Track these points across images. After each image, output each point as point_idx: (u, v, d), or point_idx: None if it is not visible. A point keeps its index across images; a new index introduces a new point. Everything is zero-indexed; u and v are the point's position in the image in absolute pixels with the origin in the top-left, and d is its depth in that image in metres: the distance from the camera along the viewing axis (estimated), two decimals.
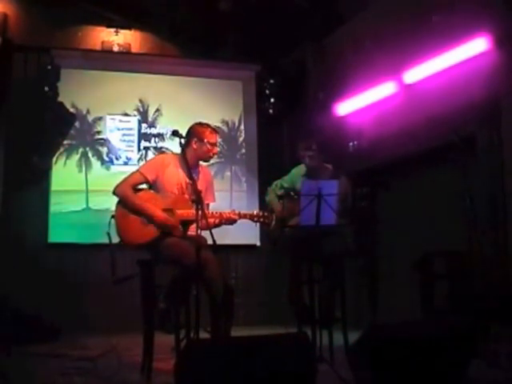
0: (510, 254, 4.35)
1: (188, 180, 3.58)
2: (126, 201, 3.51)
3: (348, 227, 4.09)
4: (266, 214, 3.58)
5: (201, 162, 3.78)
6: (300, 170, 4.28)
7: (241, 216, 3.53)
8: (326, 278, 3.91)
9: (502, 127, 4.52)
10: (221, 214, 3.52)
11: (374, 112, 5.91)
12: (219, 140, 7.16)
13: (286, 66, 7.31)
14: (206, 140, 3.64)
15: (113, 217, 3.51)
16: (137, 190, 3.60)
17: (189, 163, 3.53)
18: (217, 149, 3.73)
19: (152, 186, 3.62)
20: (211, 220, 3.43)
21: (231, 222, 3.54)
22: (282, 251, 4.20)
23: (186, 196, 3.58)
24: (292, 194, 4.02)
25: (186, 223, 3.51)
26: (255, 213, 3.58)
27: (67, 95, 6.50)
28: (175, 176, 3.62)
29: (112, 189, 3.60)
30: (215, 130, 3.74)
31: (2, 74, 5.88)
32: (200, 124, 3.73)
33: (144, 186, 3.66)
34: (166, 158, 3.81)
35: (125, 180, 3.59)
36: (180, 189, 3.61)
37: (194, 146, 3.64)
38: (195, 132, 3.67)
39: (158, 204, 3.52)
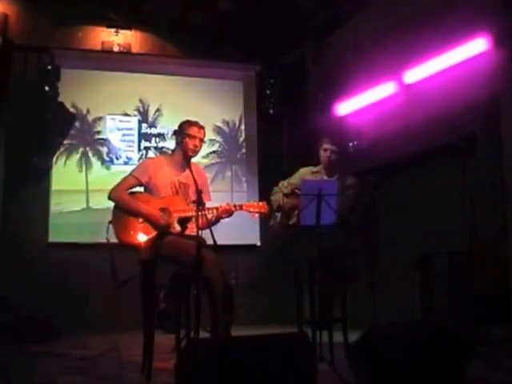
0: (510, 254, 4.35)
1: (181, 179, 3.62)
2: (122, 204, 3.54)
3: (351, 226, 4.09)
4: (261, 204, 3.59)
5: (193, 161, 3.78)
6: (309, 169, 4.29)
7: (237, 208, 3.54)
8: (326, 277, 3.90)
9: (501, 127, 4.52)
10: (216, 208, 3.53)
11: (374, 112, 5.91)
12: (219, 139, 7.24)
13: (286, 66, 7.31)
14: (185, 132, 3.65)
15: (110, 222, 3.53)
16: (131, 194, 3.62)
17: (185, 161, 3.56)
18: (197, 142, 3.64)
19: (146, 188, 3.63)
20: (208, 216, 3.44)
21: (228, 214, 3.54)
22: (283, 250, 4.20)
23: (180, 195, 3.60)
24: (298, 191, 4.03)
25: (183, 221, 3.52)
26: (250, 203, 3.59)
27: (67, 95, 6.50)
28: (168, 176, 3.64)
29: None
30: (198, 125, 3.71)
31: (2, 74, 5.88)
32: (185, 121, 3.75)
33: (138, 189, 3.68)
34: (157, 160, 3.87)
35: (119, 184, 3.62)
36: (173, 188, 3.62)
37: (178, 141, 3.67)
38: (179, 128, 3.71)
39: (154, 205, 3.54)
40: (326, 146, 4.16)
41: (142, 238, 3.49)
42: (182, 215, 3.50)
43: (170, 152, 3.84)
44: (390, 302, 5.56)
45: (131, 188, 3.62)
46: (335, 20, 6.61)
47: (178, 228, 3.52)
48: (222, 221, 3.63)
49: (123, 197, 3.55)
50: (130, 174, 3.66)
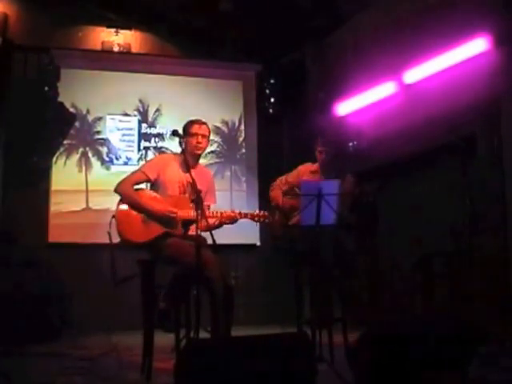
0: (510, 254, 4.35)
1: (188, 179, 3.61)
2: (127, 198, 3.54)
3: (349, 227, 4.09)
4: (265, 213, 3.59)
5: (201, 163, 3.80)
6: (307, 167, 4.30)
7: (241, 215, 3.54)
8: (327, 278, 3.90)
9: (501, 127, 4.52)
10: (221, 213, 3.53)
11: (373, 112, 5.91)
12: (219, 139, 7.24)
13: (286, 65, 7.31)
14: (187, 132, 3.67)
15: (113, 217, 3.52)
16: (137, 190, 3.62)
17: (188, 162, 3.56)
18: (200, 139, 3.65)
19: (153, 185, 3.64)
20: (211, 220, 3.44)
21: (232, 220, 3.55)
22: (282, 250, 4.21)
23: (187, 195, 3.60)
24: (297, 190, 4.03)
25: (186, 223, 3.52)
26: (255, 212, 3.59)
27: (67, 95, 6.50)
28: (176, 175, 3.64)
29: (113, 188, 3.62)
30: (198, 122, 3.72)
31: (2, 74, 5.88)
32: (188, 121, 3.77)
33: (144, 185, 3.68)
34: (167, 158, 3.86)
35: (126, 178, 3.62)
36: (181, 187, 3.62)
37: (184, 142, 3.67)
38: (184, 128, 3.72)
39: (159, 203, 3.55)
40: (319, 148, 4.19)
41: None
42: (186, 218, 3.50)
43: (178, 152, 3.84)
44: (390, 302, 5.57)
45: (138, 183, 3.63)
46: (335, 20, 6.61)
47: (181, 230, 3.52)
48: None
49: (129, 191, 3.56)
50: (139, 170, 3.68)
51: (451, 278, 4.71)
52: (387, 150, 5.63)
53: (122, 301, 5.63)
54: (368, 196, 4.17)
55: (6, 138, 6.02)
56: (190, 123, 3.72)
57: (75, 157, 6.73)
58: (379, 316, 5.57)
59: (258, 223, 3.65)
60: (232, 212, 3.55)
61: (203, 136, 3.68)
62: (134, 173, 3.66)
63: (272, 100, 7.27)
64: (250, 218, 3.57)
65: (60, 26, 6.90)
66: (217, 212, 3.54)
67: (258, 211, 3.63)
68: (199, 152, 3.69)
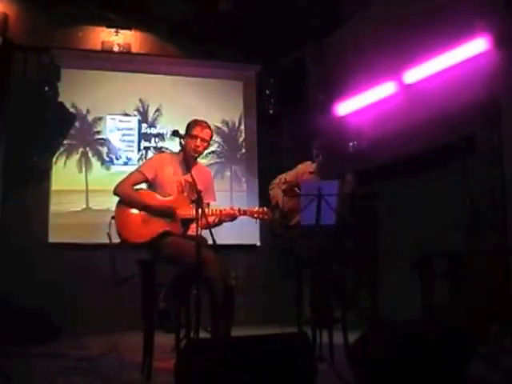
0: (510, 254, 4.35)
1: (187, 178, 3.62)
2: (127, 198, 3.54)
3: (350, 226, 4.10)
4: (265, 210, 3.59)
5: (199, 161, 3.81)
6: (307, 166, 4.30)
7: (241, 212, 3.54)
8: (326, 278, 3.90)
9: (502, 127, 4.52)
10: (220, 211, 3.53)
11: (374, 112, 5.91)
12: (219, 139, 7.24)
13: (286, 66, 7.31)
14: (188, 132, 3.67)
15: (113, 218, 3.52)
16: (136, 190, 3.63)
17: (189, 161, 3.57)
18: (198, 143, 3.65)
19: (151, 184, 3.64)
20: (211, 218, 3.44)
21: (231, 218, 3.54)
22: (282, 250, 4.21)
23: (185, 194, 3.60)
24: (296, 189, 4.04)
25: (186, 222, 3.52)
26: (255, 209, 3.59)
27: (67, 95, 6.50)
28: (174, 175, 3.65)
29: (112, 188, 3.62)
30: (202, 125, 3.71)
31: (2, 74, 5.88)
32: (192, 120, 3.77)
33: (143, 185, 3.69)
34: (165, 157, 3.87)
35: (125, 179, 3.62)
36: (179, 187, 3.63)
37: (184, 140, 3.67)
38: (187, 127, 3.73)
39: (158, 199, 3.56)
40: (314, 151, 4.21)
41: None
42: (185, 216, 3.50)
43: (177, 151, 3.85)
44: (390, 302, 5.57)
45: (137, 184, 3.63)
46: (335, 20, 6.61)
47: (180, 228, 3.52)
48: None
49: (129, 191, 3.56)
50: (137, 170, 3.68)
51: (451, 277, 4.70)
52: (387, 150, 5.63)
53: (122, 301, 5.62)
54: (368, 197, 4.17)
55: (6, 137, 6.02)
56: (194, 124, 3.71)
57: (75, 157, 6.73)
58: (379, 316, 5.57)
59: (258, 222, 3.66)
60: (231, 209, 3.55)
61: (203, 140, 3.68)
62: (132, 173, 3.66)
63: (272, 100, 7.27)
64: (250, 215, 3.57)
65: (60, 26, 6.90)
66: (216, 210, 3.54)
67: (257, 208, 3.63)
68: (196, 155, 3.70)
